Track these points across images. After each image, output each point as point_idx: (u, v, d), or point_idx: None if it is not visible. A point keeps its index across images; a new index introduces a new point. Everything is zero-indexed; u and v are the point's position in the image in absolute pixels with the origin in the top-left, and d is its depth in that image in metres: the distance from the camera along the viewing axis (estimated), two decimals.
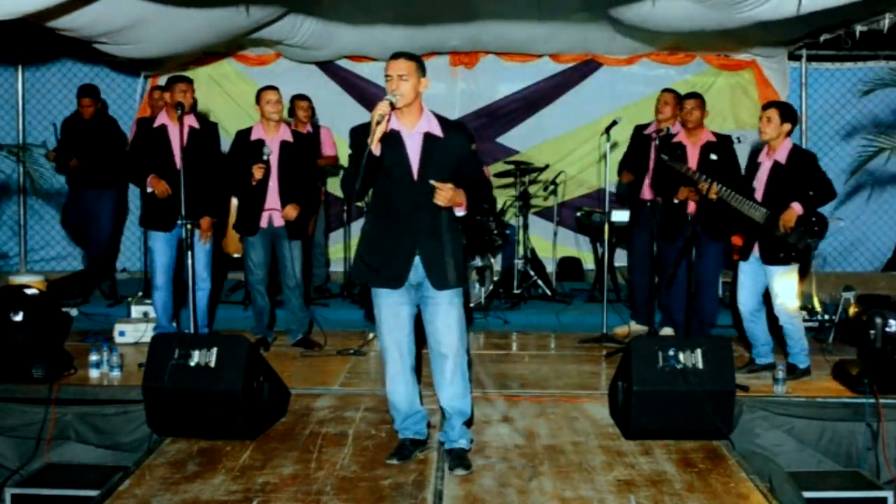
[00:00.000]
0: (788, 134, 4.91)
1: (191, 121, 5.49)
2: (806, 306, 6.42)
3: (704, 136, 5.70)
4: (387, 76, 3.65)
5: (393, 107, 3.57)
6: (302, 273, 5.81)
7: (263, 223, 5.61)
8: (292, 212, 5.58)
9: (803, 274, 5.11)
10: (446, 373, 3.83)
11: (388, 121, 3.57)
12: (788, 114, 4.91)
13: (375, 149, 3.53)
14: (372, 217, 3.86)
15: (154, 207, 5.51)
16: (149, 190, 5.44)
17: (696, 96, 5.75)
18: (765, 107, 5.02)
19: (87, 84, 7.23)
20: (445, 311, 3.78)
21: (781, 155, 4.89)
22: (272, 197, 5.59)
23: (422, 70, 3.69)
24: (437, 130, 3.73)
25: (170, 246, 5.53)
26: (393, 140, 3.68)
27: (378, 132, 3.51)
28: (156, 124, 5.52)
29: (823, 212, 5.03)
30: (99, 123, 7.13)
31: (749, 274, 5.06)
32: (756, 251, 5.00)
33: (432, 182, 3.61)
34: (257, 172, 5.45)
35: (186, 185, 5.14)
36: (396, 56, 3.68)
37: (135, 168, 5.53)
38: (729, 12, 5.58)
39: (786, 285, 4.91)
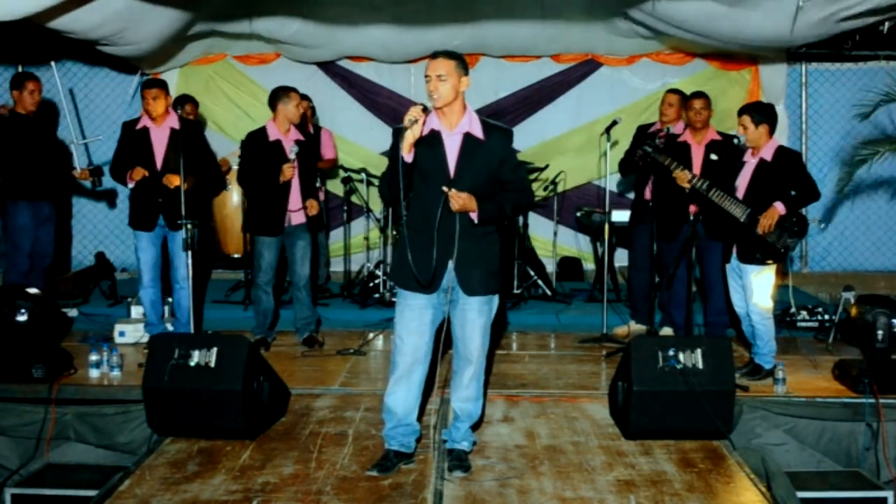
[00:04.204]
0: (771, 133, 4.89)
1: (172, 121, 5.50)
2: (806, 306, 6.43)
3: (709, 136, 5.70)
4: (426, 76, 3.58)
5: (427, 110, 3.50)
6: (311, 272, 5.84)
7: (283, 223, 5.64)
8: (316, 205, 5.66)
9: (780, 274, 5.11)
10: (465, 377, 3.82)
11: (424, 124, 3.51)
12: (762, 114, 4.87)
13: (407, 155, 3.48)
14: (409, 219, 3.75)
15: (136, 208, 5.56)
16: (130, 185, 5.47)
17: (704, 96, 5.73)
18: (739, 113, 4.96)
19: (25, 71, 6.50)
20: (474, 318, 3.73)
21: (767, 153, 4.87)
22: (295, 197, 5.61)
23: (462, 68, 3.60)
24: (478, 132, 3.65)
25: (153, 245, 5.57)
26: (432, 141, 3.61)
27: (409, 137, 3.45)
28: (138, 126, 5.54)
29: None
30: (41, 120, 6.20)
31: (734, 275, 5.05)
32: (734, 250, 4.99)
33: (444, 189, 3.54)
34: (288, 172, 5.45)
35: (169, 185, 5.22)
36: (435, 55, 3.59)
37: (120, 171, 5.53)
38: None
39: (761, 284, 4.89)
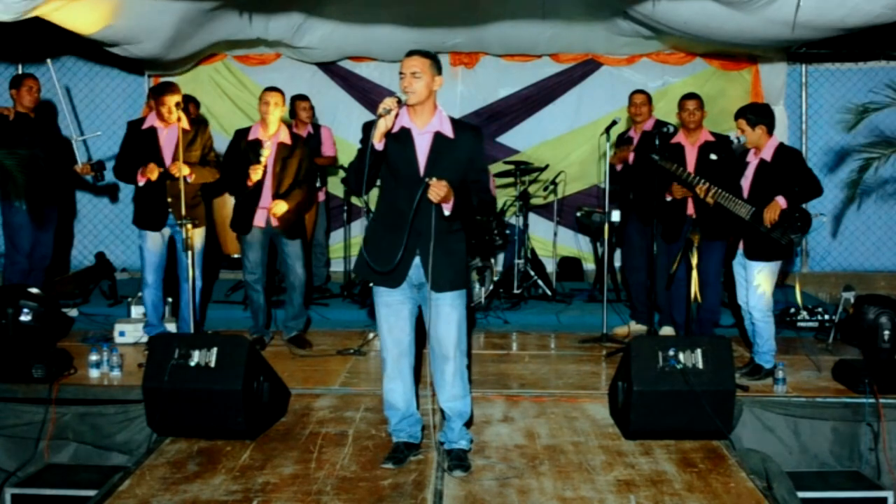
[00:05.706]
0: (770, 132, 4.91)
1: (182, 122, 5.49)
2: (806, 306, 6.43)
3: (703, 137, 5.70)
4: (400, 73, 3.63)
5: (401, 103, 3.56)
6: (304, 272, 5.82)
7: (261, 222, 5.61)
8: (276, 208, 5.51)
9: (785, 272, 5.13)
10: (446, 375, 3.84)
11: (397, 116, 3.56)
12: (757, 115, 4.89)
13: (378, 143, 3.53)
14: (377, 215, 3.85)
15: (142, 207, 5.55)
16: (140, 184, 5.44)
17: (696, 97, 5.73)
18: (735, 117, 4.99)
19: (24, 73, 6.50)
20: (446, 313, 3.77)
21: (767, 153, 4.91)
22: (266, 197, 5.58)
23: (436, 68, 3.67)
24: (448, 131, 3.70)
25: (159, 245, 5.56)
26: (403, 138, 3.67)
27: (381, 126, 3.50)
28: (145, 126, 5.53)
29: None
30: (43, 118, 6.24)
31: (740, 270, 5.07)
32: (741, 247, 5.02)
33: (427, 180, 3.58)
34: (253, 174, 5.44)
35: (176, 185, 5.18)
36: (411, 53, 3.66)
37: (125, 170, 5.51)
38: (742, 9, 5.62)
39: (763, 281, 4.91)
